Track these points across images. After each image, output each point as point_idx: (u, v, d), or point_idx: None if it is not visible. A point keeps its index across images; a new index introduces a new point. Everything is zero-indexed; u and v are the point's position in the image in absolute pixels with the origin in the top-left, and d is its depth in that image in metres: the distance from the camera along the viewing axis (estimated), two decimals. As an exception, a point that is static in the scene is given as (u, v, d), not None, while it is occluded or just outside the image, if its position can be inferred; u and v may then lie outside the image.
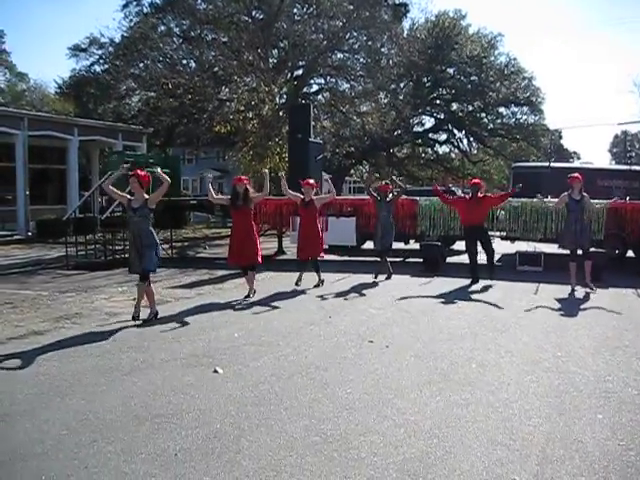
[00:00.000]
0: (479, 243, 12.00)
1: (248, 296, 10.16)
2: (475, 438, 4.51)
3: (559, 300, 10.14)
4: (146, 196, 8.42)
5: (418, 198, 14.79)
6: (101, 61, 32.20)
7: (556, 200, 11.57)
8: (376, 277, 12.09)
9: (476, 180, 12.58)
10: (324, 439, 4.46)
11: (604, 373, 6.10)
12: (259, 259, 10.34)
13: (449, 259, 14.33)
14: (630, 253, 14.82)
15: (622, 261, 14.48)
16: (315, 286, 11.17)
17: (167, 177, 8.60)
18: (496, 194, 12.88)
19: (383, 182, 13.43)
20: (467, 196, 12.48)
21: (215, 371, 6.04)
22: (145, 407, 5.05)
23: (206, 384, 5.67)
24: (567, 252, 11.34)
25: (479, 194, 11.94)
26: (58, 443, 4.34)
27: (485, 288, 11.22)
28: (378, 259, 12.49)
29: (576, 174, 10.98)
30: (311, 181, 11.57)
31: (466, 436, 4.54)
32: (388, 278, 12.17)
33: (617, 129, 78.49)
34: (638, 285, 11.49)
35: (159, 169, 8.89)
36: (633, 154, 71.42)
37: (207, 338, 7.43)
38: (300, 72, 30.28)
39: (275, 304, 9.71)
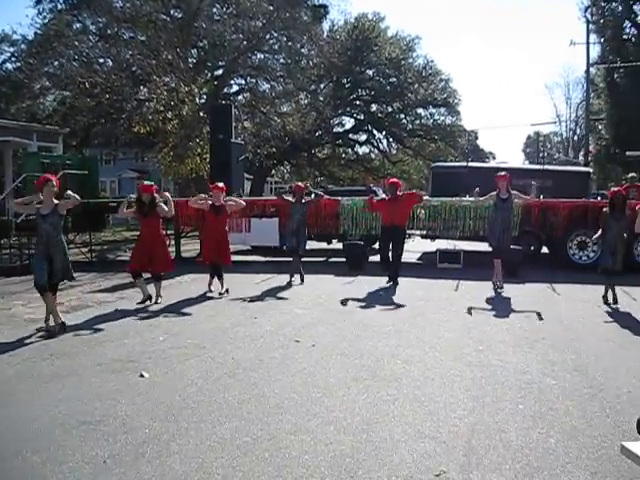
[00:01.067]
0: (392, 244, 11.76)
1: (156, 302, 9.86)
2: (403, 432, 4.61)
3: (479, 296, 10.44)
4: (56, 201, 8.13)
5: (340, 198, 14.93)
6: (13, 59, 31.13)
7: (479, 198, 11.74)
8: (291, 278, 12.00)
9: (393, 180, 12.55)
10: (254, 440, 4.48)
11: (524, 365, 6.33)
12: (169, 267, 10.26)
13: (372, 258, 14.51)
14: (544, 249, 15.36)
15: (537, 257, 15.01)
16: (220, 294, 10.65)
17: (77, 197, 8.36)
18: (413, 192, 12.97)
19: (298, 183, 13.35)
20: (387, 197, 12.41)
21: (141, 375, 5.96)
22: (71, 414, 4.94)
23: (132, 389, 5.60)
24: (490, 249, 11.61)
25: (398, 193, 11.82)
26: (-19, 454, 4.21)
27: (407, 286, 11.42)
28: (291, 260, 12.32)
29: (503, 173, 11.20)
30: (220, 185, 11.13)
31: (394, 430, 4.64)
32: (301, 282, 11.92)
33: (530, 130, 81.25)
34: (553, 280, 11.94)
35: (69, 192, 8.52)
36: (545, 154, 73.91)
37: (131, 342, 7.32)
38: (220, 72, 30.07)
39: (200, 307, 9.64)
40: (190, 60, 28.70)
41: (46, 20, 28.89)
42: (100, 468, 4.01)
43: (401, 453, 4.25)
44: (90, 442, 4.41)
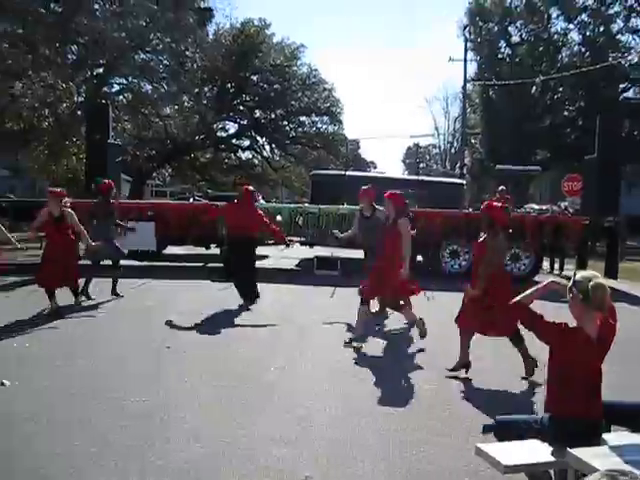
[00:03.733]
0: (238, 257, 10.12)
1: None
2: (269, 439, 4.58)
3: (355, 303, 10.48)
4: None
5: (219, 203, 14.78)
6: None
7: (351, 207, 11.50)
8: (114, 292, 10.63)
9: (243, 182, 11.22)
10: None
11: (404, 376, 6.44)
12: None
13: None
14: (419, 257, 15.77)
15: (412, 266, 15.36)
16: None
17: None
18: (269, 223, 10.57)
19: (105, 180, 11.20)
20: (235, 201, 10.82)
21: (2, 383, 5.64)
22: None
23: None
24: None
25: (249, 198, 10.18)
26: None
27: (282, 292, 11.36)
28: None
29: (366, 187, 9.66)
30: (57, 190, 9.46)
31: (258, 436, 4.60)
32: (112, 293, 10.53)
33: (410, 141, 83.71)
34: (426, 287, 12.24)
35: None
36: (424, 165, 76.39)
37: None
38: (101, 71, 29.21)
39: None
40: (70, 57, 27.74)
41: None
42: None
43: (265, 458, 4.23)
44: None
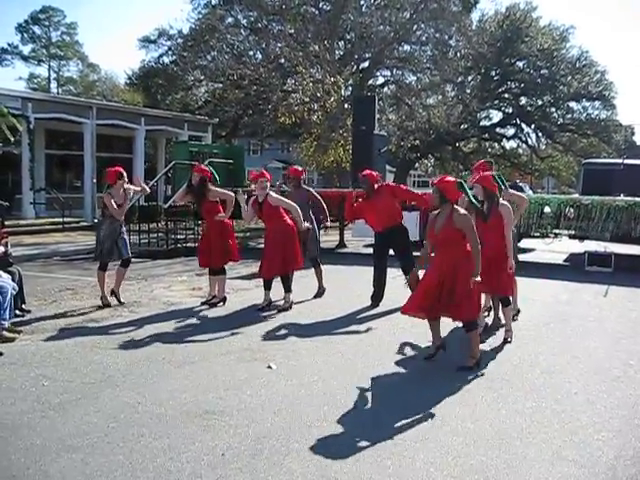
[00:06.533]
0: (394, 252, 8.81)
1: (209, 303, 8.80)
2: (539, 451, 4.23)
3: (631, 304, 9.60)
4: None
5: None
6: (169, 52, 32.68)
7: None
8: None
9: (365, 172, 8.77)
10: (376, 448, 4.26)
11: None
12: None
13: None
14: None
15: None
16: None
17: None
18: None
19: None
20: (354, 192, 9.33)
21: (269, 367, 5.88)
22: (196, 402, 4.93)
23: (259, 380, 5.53)
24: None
25: (375, 185, 8.57)
26: (105, 436, 4.26)
27: (552, 288, 10.72)
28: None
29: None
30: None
31: (529, 448, 4.26)
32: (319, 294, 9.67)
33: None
34: None
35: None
36: None
37: (262, 332, 7.29)
38: (366, 64, 30.01)
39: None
40: (337, 52, 28.89)
41: (200, 15, 30.07)
42: (218, 461, 3.93)
43: (536, 475, 3.87)
44: (211, 433, 4.36)
